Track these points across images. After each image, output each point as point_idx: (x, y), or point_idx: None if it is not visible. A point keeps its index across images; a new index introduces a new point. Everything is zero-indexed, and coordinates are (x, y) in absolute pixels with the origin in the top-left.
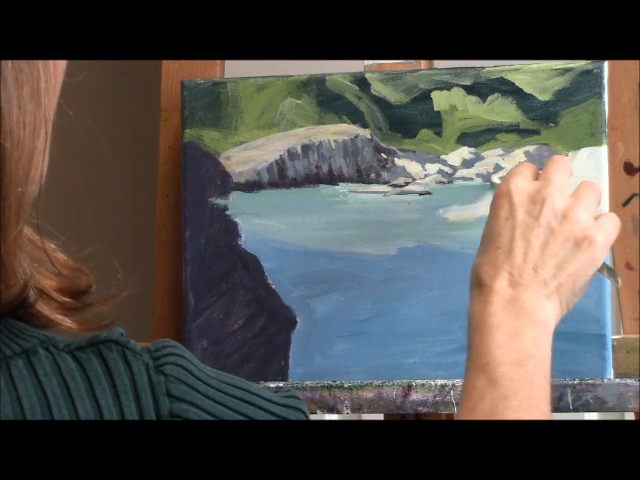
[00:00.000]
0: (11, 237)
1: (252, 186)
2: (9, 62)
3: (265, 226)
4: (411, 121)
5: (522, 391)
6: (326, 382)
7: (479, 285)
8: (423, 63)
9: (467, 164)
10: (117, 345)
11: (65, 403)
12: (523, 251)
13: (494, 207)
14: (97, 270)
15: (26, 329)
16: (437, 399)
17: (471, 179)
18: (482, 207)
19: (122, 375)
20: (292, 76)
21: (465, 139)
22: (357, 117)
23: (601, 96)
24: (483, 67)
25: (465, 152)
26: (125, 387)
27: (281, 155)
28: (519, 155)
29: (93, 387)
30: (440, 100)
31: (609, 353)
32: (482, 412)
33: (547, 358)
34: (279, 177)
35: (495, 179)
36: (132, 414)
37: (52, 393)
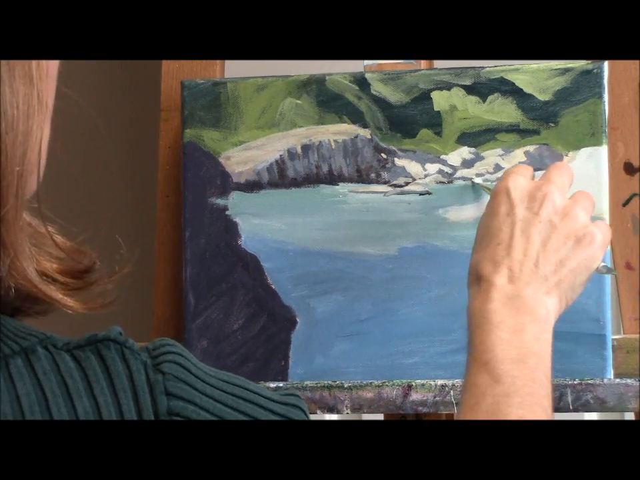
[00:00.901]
0: (11, 219)
1: (252, 186)
2: None
3: (265, 226)
4: (410, 121)
5: (524, 388)
6: (326, 382)
7: (478, 281)
8: (423, 63)
9: (467, 164)
10: (116, 343)
11: (64, 401)
12: (524, 247)
13: (492, 204)
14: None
15: (24, 328)
16: (437, 398)
17: (471, 179)
18: (482, 207)
19: (120, 373)
20: (292, 76)
21: (465, 138)
22: (356, 117)
23: (600, 96)
24: (483, 67)
25: (464, 152)
26: (123, 385)
27: (281, 155)
28: (519, 155)
29: (92, 385)
30: (440, 100)
31: (609, 353)
32: (484, 409)
33: (548, 354)
34: (279, 177)
35: (477, 179)
36: (130, 412)
37: (51, 391)
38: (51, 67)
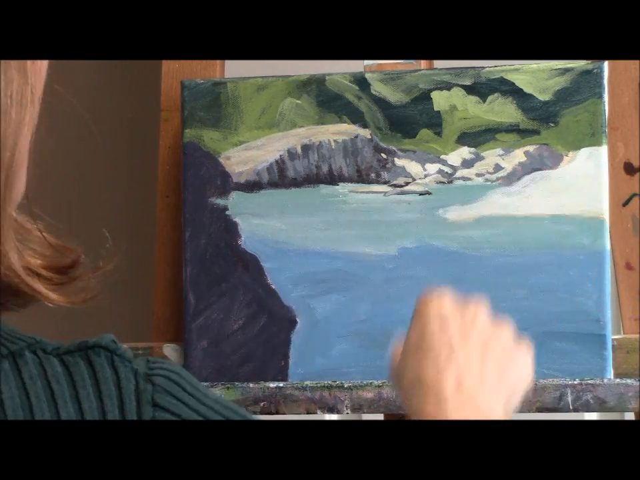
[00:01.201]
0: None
1: (252, 186)
2: None
3: (265, 226)
4: (410, 121)
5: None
6: (326, 382)
7: (422, 387)
8: (423, 63)
9: (467, 164)
10: (106, 350)
11: (48, 406)
12: (465, 353)
13: (420, 323)
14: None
15: (14, 332)
16: None
17: (471, 179)
18: (482, 207)
19: (108, 380)
20: (292, 76)
21: (465, 139)
22: (357, 117)
23: (601, 96)
24: (483, 67)
25: (465, 152)
26: (110, 392)
27: (280, 155)
28: (518, 154)
29: (78, 391)
30: (440, 100)
31: (609, 353)
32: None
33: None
34: (279, 177)
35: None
36: (114, 419)
37: (35, 396)
38: (44, 63)
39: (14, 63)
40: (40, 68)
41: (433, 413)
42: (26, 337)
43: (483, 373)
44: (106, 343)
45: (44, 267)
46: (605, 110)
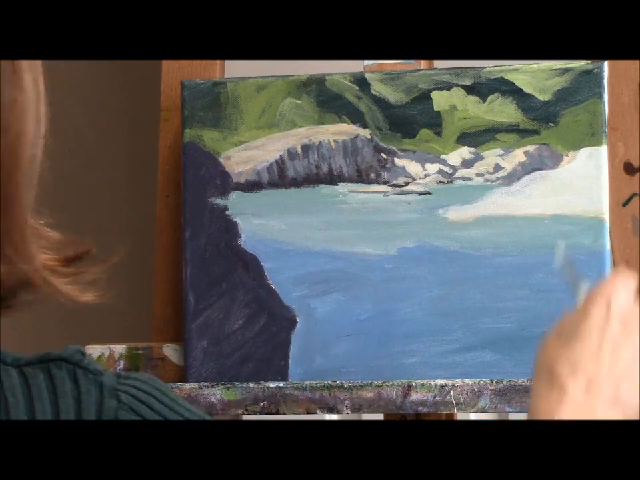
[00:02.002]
0: (25, 203)
1: (252, 186)
2: None
3: (265, 226)
4: (410, 121)
5: None
6: (326, 382)
7: (550, 378)
8: (423, 63)
9: (467, 164)
10: (68, 363)
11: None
12: (609, 362)
13: (587, 307)
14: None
15: None
16: (437, 398)
17: (471, 179)
18: (482, 207)
19: (66, 394)
20: (292, 76)
21: (465, 138)
22: (356, 117)
23: (601, 96)
24: (483, 67)
25: (464, 152)
26: (67, 406)
27: (280, 155)
28: (518, 155)
29: (34, 404)
30: (440, 100)
31: None
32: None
33: None
34: (279, 177)
35: (561, 243)
36: None
37: None
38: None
39: (26, 63)
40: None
41: (548, 409)
42: None
43: (617, 390)
44: (69, 355)
45: (55, 260)
46: (604, 110)
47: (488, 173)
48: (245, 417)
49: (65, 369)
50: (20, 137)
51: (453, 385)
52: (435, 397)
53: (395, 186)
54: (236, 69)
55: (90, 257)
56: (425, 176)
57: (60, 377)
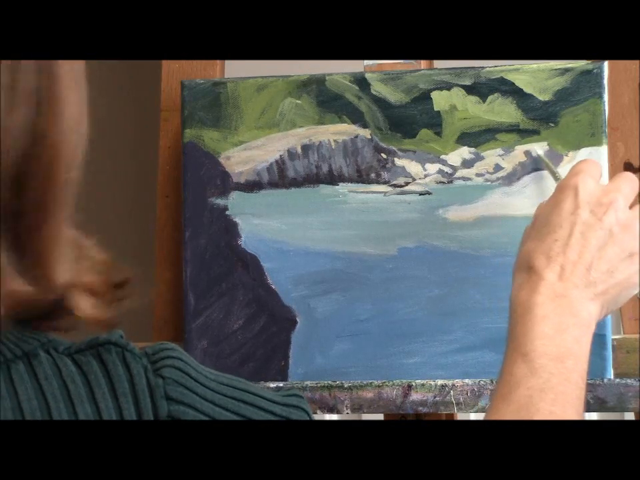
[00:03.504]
0: (52, 228)
1: (252, 186)
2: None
3: (265, 226)
4: (410, 121)
5: (559, 386)
6: (326, 382)
7: (528, 271)
8: (423, 63)
9: (467, 164)
10: (117, 347)
11: (65, 406)
12: (580, 249)
13: (557, 198)
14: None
15: (27, 331)
16: (437, 398)
17: (471, 179)
18: (482, 207)
19: (121, 377)
20: (292, 76)
21: (465, 139)
22: (357, 117)
23: (601, 96)
24: (483, 67)
25: (465, 152)
26: (125, 389)
27: (281, 155)
28: (519, 155)
29: (93, 390)
30: (440, 100)
31: (609, 353)
32: (516, 400)
33: (586, 359)
34: (279, 177)
35: (539, 150)
36: (131, 417)
37: (52, 396)
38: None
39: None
40: None
41: (525, 296)
42: (39, 335)
43: (588, 273)
44: (116, 339)
45: (98, 282)
46: (605, 110)
47: (488, 172)
48: None
49: (114, 353)
50: (56, 148)
51: (453, 385)
52: (434, 397)
53: (395, 186)
54: (236, 68)
55: (130, 284)
56: (425, 176)
57: (112, 362)
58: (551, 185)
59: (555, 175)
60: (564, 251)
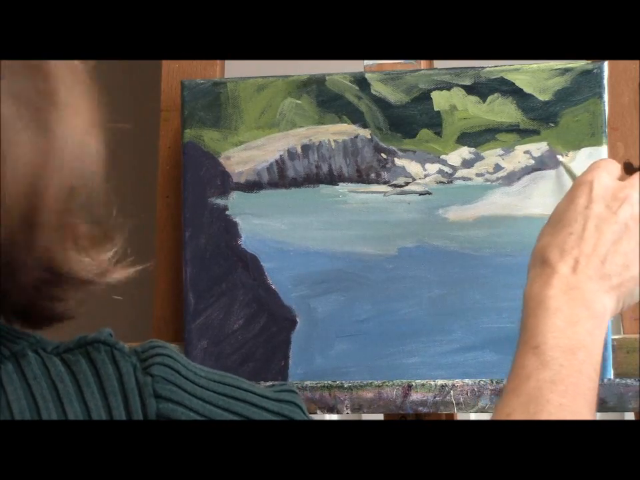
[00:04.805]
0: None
1: (252, 186)
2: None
3: (265, 226)
4: (410, 121)
5: (569, 377)
6: (326, 382)
7: (542, 265)
8: (423, 63)
9: (467, 164)
10: (106, 345)
11: (55, 406)
12: (594, 242)
13: (573, 193)
14: None
15: (14, 331)
16: (437, 398)
17: (471, 179)
18: (482, 207)
19: (110, 376)
20: (292, 76)
21: (465, 138)
22: (357, 117)
23: (601, 96)
24: (483, 67)
25: (465, 152)
26: (114, 388)
27: (281, 155)
28: (519, 155)
29: (82, 389)
30: (440, 100)
31: (609, 353)
32: (526, 392)
33: (599, 351)
34: (279, 177)
35: (566, 161)
36: (120, 416)
37: (41, 396)
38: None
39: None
40: None
41: (538, 289)
42: (27, 335)
43: (603, 266)
44: (104, 337)
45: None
46: (604, 110)
47: (488, 172)
48: None
49: (103, 352)
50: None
51: (453, 385)
52: (435, 396)
53: (395, 186)
54: (236, 68)
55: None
56: (425, 176)
57: (101, 360)
58: (550, 186)
59: (573, 177)
60: (578, 244)
